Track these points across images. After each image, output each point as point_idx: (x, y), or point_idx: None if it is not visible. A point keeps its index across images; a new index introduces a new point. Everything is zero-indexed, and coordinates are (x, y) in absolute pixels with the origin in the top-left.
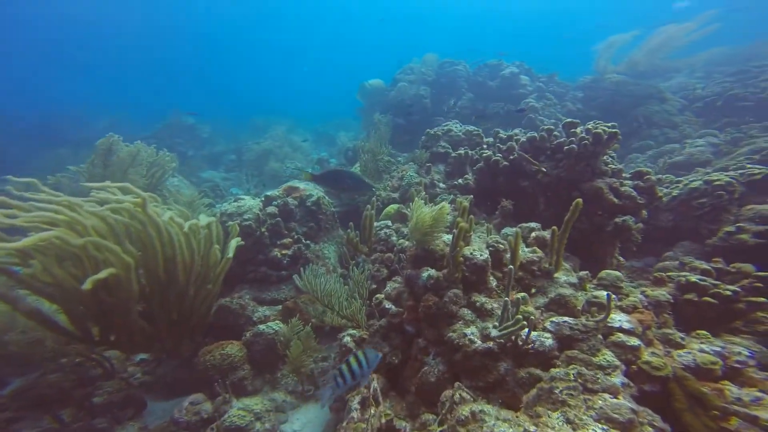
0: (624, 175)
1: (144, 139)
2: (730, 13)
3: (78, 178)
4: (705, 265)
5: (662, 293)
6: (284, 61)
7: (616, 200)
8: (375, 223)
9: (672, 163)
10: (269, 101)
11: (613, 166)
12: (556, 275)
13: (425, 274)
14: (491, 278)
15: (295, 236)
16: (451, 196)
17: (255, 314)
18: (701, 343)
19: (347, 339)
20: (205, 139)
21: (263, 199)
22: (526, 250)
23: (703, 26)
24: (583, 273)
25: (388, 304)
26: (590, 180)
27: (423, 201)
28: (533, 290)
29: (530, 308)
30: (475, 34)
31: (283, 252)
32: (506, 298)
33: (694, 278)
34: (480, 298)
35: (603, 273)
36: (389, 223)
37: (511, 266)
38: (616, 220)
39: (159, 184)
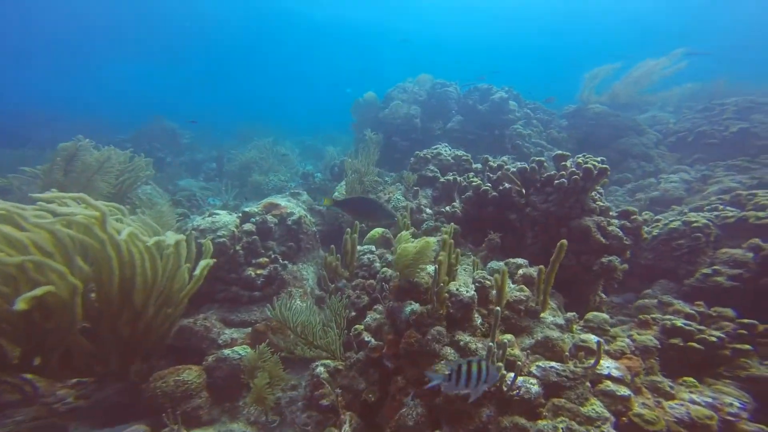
0: (611, 213)
1: (120, 142)
2: (697, 55)
3: (35, 182)
4: (689, 309)
5: (649, 338)
6: (277, 72)
7: (603, 240)
8: (358, 247)
9: (650, 198)
10: (259, 112)
11: (601, 204)
12: (542, 315)
13: (408, 309)
14: (476, 315)
15: (272, 256)
16: (438, 223)
17: (220, 337)
18: (690, 392)
19: (320, 369)
20: (185, 146)
21: (240, 215)
22: (513, 287)
23: (676, 62)
24: (570, 314)
25: (367, 337)
26: (579, 217)
27: (409, 232)
28: (519, 330)
29: (516, 351)
30: (476, 55)
31: (258, 272)
32: (491, 343)
33: (679, 323)
34: (464, 337)
35: (590, 315)
36: (373, 248)
37: (498, 308)
38: (603, 260)
39: (129, 192)
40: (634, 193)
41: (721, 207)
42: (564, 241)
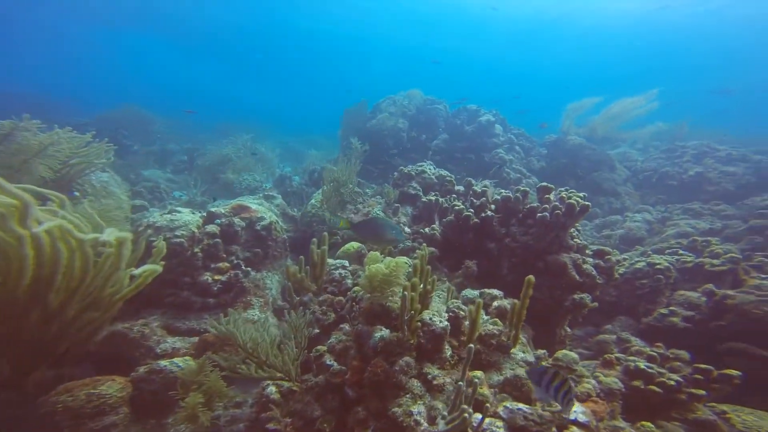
0: (587, 252)
1: (81, 126)
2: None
3: None
4: (649, 350)
5: (614, 380)
6: (271, 74)
7: (577, 277)
8: (330, 261)
9: (618, 237)
10: (246, 110)
11: (579, 241)
12: (512, 351)
13: (377, 335)
14: (446, 346)
15: (235, 261)
16: (415, 243)
17: (160, 346)
18: None
19: (272, 389)
20: (156, 135)
21: (205, 214)
22: (486, 319)
23: (650, 101)
24: (540, 351)
25: (329, 360)
26: (557, 253)
27: (381, 254)
28: (488, 365)
29: (485, 390)
30: (471, 75)
31: (216, 277)
32: (460, 383)
33: (642, 365)
34: (432, 370)
35: (560, 354)
36: (346, 263)
37: (471, 345)
38: (575, 296)
39: (77, 178)
40: (602, 229)
41: (681, 252)
42: (531, 277)
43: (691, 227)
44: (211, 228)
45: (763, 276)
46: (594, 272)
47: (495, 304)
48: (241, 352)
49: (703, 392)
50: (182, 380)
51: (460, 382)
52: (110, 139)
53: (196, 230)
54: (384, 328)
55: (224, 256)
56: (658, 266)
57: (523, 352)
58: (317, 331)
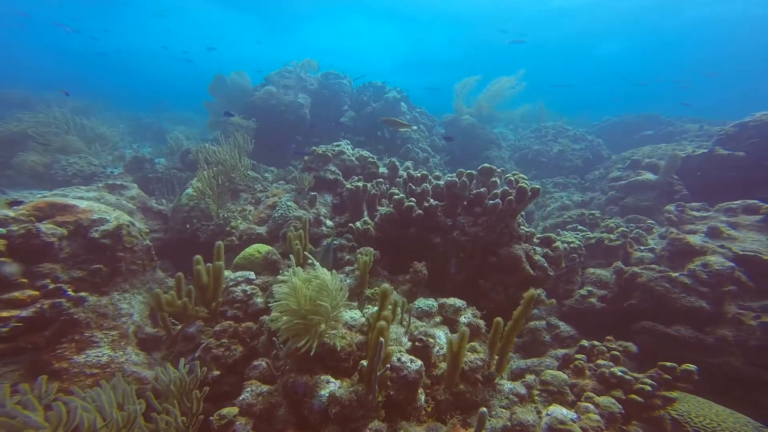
0: (534, 240)
1: None
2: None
3: None
4: (613, 349)
5: (612, 402)
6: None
7: (531, 271)
8: (227, 273)
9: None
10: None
11: (526, 229)
12: (498, 381)
13: (325, 393)
14: (420, 391)
15: (51, 286)
16: (343, 240)
17: None
18: None
19: None
20: None
21: None
22: (454, 338)
23: (519, 81)
24: (529, 378)
25: (245, 430)
26: (508, 244)
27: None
28: (476, 406)
29: None
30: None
31: (5, 314)
32: None
33: (617, 371)
34: (411, 430)
35: (547, 375)
36: (251, 275)
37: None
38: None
39: None
40: None
41: (580, 227)
42: (533, 291)
43: (568, 200)
44: None
45: (642, 247)
46: (546, 264)
47: (462, 319)
48: None
49: (675, 394)
50: None
51: None
52: None
53: None
54: (331, 378)
55: (24, 281)
56: (572, 245)
57: (511, 383)
58: (217, 373)
